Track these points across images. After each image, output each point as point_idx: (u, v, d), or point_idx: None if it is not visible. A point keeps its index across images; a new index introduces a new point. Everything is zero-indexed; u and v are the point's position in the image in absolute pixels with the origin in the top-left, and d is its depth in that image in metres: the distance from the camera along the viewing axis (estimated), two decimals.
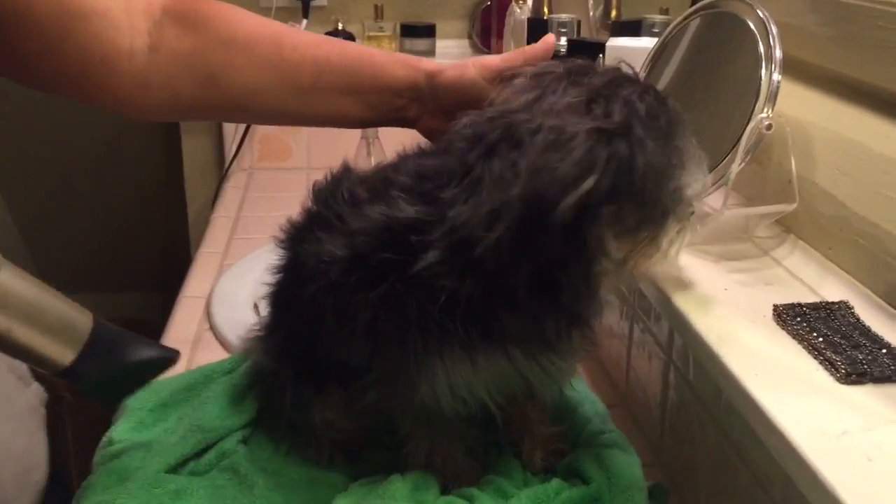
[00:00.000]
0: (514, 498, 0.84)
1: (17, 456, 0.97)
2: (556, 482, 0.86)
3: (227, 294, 1.34)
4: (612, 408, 1.01)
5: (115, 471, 0.91)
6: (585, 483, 0.87)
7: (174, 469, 0.92)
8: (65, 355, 0.71)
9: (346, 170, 0.86)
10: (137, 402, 1.03)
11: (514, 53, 0.88)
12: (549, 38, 0.88)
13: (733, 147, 0.86)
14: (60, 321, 0.71)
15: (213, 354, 1.17)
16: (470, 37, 2.06)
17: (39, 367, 0.72)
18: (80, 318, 0.72)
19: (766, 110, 0.84)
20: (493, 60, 0.88)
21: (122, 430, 0.99)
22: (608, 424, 0.98)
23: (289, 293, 0.92)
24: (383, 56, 0.85)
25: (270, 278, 0.96)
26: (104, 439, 0.99)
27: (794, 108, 0.88)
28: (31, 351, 0.70)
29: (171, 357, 0.78)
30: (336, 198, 0.82)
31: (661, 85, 1.01)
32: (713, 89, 0.96)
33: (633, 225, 0.71)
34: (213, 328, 1.26)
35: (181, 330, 1.27)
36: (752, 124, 0.83)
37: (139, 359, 0.76)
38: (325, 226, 0.80)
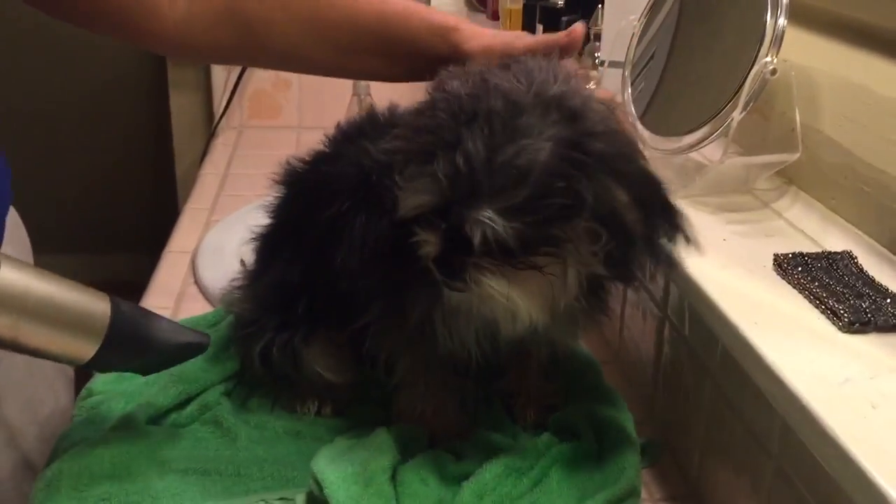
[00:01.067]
0: (502, 452, 0.82)
1: (42, 420, 0.94)
2: (546, 436, 0.84)
3: (214, 248, 1.31)
4: (604, 365, 0.99)
5: (93, 421, 0.89)
6: (576, 438, 0.85)
7: (155, 420, 0.89)
8: (84, 350, 0.65)
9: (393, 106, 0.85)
10: None
11: (539, 38, 0.84)
12: (577, 27, 0.82)
13: (735, 94, 0.83)
14: (75, 315, 0.65)
15: (198, 308, 1.15)
16: None
17: (59, 362, 0.67)
18: (97, 308, 0.66)
19: (770, 55, 0.81)
20: (517, 45, 0.83)
21: (102, 382, 0.96)
22: (601, 380, 0.96)
23: (288, 229, 0.91)
24: (419, 20, 0.82)
25: (263, 221, 0.94)
26: (83, 391, 0.96)
27: (798, 54, 0.85)
28: (47, 351, 0.65)
29: (200, 343, 0.75)
30: (373, 122, 0.83)
31: (658, 32, 0.98)
32: (714, 36, 0.93)
33: None
34: (198, 282, 1.24)
35: (166, 284, 1.25)
36: (755, 69, 0.80)
37: (163, 345, 0.72)
38: (366, 137, 0.81)
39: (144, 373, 0.76)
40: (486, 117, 0.64)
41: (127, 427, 0.86)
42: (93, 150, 2.68)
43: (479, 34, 0.81)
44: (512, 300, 0.68)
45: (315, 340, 0.91)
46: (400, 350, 0.84)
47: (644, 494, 0.83)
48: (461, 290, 0.69)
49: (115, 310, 0.66)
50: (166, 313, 1.17)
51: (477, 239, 0.64)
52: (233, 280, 0.99)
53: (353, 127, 0.88)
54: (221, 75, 1.96)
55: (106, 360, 0.67)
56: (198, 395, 0.93)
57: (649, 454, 0.89)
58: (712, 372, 0.83)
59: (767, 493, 0.71)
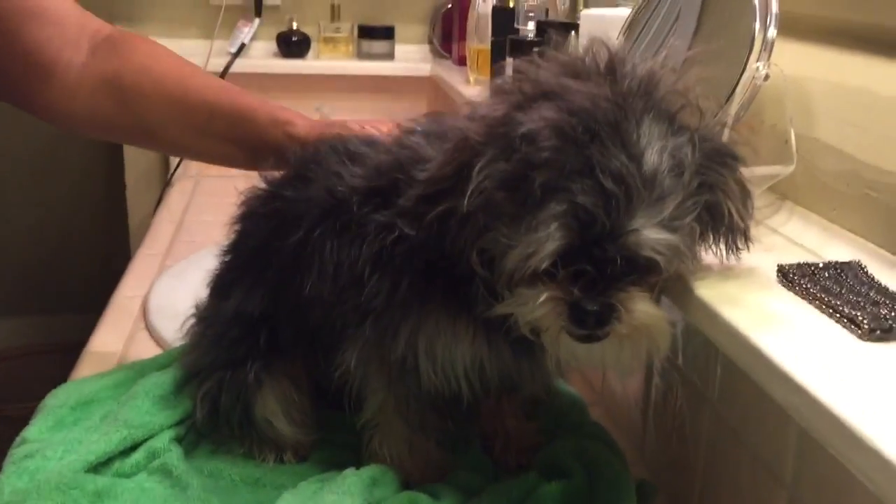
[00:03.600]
0: (484, 494, 0.74)
1: None
2: (532, 476, 0.77)
3: (166, 292, 1.23)
4: (588, 407, 0.92)
5: (27, 471, 0.79)
6: (565, 477, 0.77)
7: (96, 469, 0.80)
8: None
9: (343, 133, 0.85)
10: (57, 400, 0.92)
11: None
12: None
13: (726, 102, 0.78)
14: None
15: (148, 351, 1.06)
16: (430, 41, 1.99)
17: None
18: None
19: (761, 61, 0.77)
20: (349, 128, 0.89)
21: (37, 429, 0.87)
22: (587, 416, 0.89)
23: (248, 258, 0.85)
24: (265, 114, 0.91)
25: (220, 258, 0.90)
26: (17, 439, 0.87)
27: (787, 63, 0.81)
28: None
29: None
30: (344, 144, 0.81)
31: (637, 47, 0.94)
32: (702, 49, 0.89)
33: (495, 250, 0.62)
34: (148, 326, 1.15)
35: (115, 326, 1.16)
36: (746, 75, 0.76)
37: None
38: (338, 162, 0.79)
39: None
40: (613, 130, 0.57)
41: (63, 476, 0.77)
42: (43, 205, 2.57)
43: (310, 125, 0.91)
44: (666, 321, 0.63)
45: (271, 379, 0.83)
46: (375, 387, 0.76)
47: None
48: (605, 336, 0.61)
49: None
50: (114, 356, 1.08)
51: (666, 257, 0.59)
52: (187, 318, 0.92)
53: (321, 150, 0.83)
54: None
55: None
56: (144, 440, 0.84)
57: (642, 496, 0.82)
58: (711, 401, 0.77)
59: None
